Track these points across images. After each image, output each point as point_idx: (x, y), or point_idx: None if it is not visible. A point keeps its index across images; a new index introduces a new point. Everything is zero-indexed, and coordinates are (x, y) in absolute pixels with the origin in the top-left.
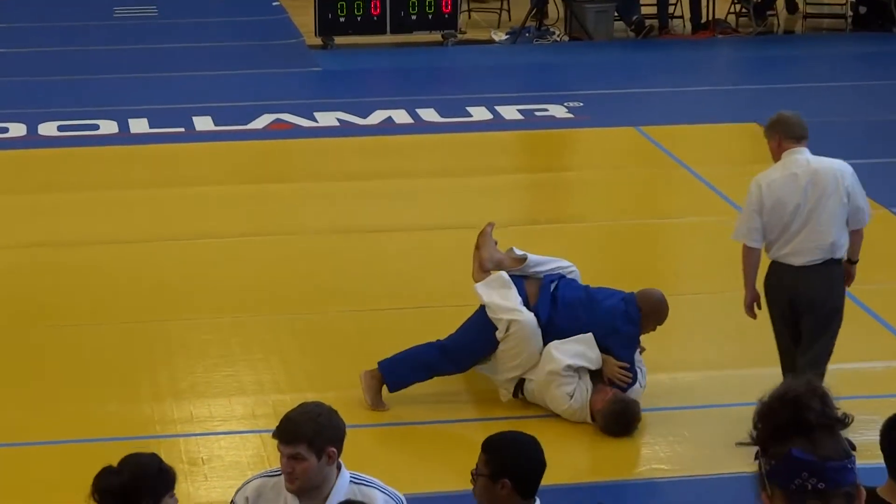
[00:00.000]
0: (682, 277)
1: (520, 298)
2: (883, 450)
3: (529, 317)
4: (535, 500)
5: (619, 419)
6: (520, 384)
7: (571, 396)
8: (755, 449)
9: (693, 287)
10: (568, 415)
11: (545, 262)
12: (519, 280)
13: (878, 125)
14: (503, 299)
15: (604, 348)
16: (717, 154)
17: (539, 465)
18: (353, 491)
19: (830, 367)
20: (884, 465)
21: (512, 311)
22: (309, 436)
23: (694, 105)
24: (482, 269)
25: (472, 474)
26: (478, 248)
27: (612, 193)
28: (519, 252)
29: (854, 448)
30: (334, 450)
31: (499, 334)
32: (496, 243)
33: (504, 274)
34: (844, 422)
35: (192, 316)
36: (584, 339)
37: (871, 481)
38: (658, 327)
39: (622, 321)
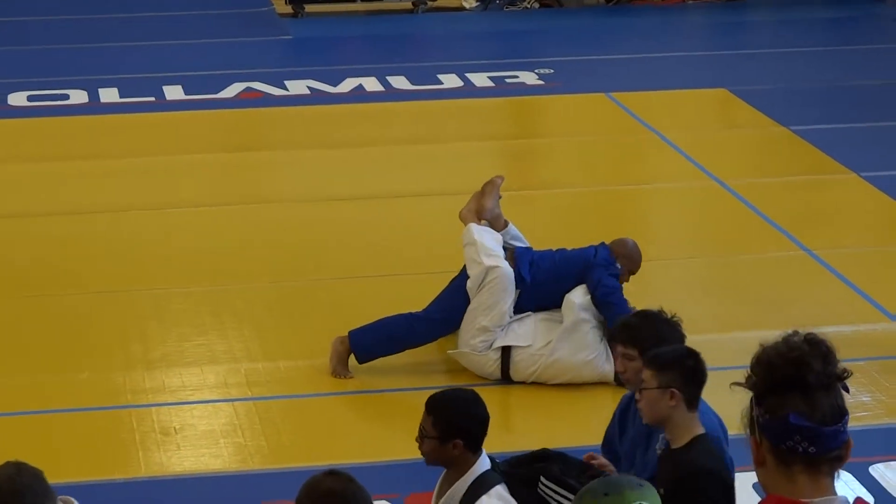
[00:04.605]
0: (653, 243)
1: (504, 253)
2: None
3: (510, 270)
4: (481, 452)
5: None
6: (505, 361)
7: (601, 340)
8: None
9: (664, 252)
10: (591, 367)
11: (521, 237)
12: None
13: (847, 90)
14: (492, 245)
15: (586, 281)
16: (687, 120)
17: (484, 419)
18: None
19: (800, 331)
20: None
21: (496, 258)
22: None
23: (664, 71)
24: (477, 215)
25: (419, 435)
26: (482, 194)
27: (583, 160)
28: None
29: (847, 390)
30: None
31: (471, 285)
32: (500, 198)
33: (496, 233)
34: (843, 377)
35: (164, 285)
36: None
37: None
38: (626, 286)
39: (599, 254)
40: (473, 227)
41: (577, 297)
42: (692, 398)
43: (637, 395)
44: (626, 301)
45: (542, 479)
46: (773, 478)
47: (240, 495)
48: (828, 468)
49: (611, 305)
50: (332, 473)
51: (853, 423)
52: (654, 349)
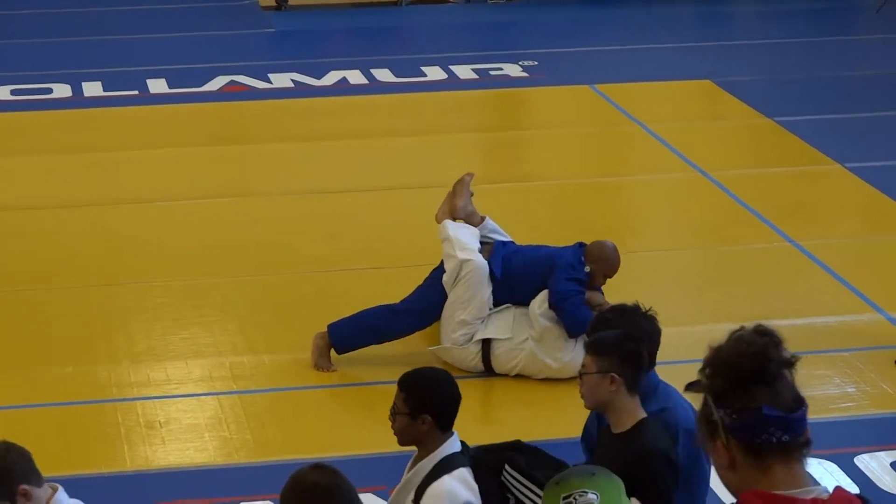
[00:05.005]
0: (638, 235)
1: (479, 247)
2: None
3: (483, 263)
4: (453, 433)
5: None
6: (486, 354)
7: (576, 344)
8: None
9: (649, 244)
10: (571, 366)
11: (499, 230)
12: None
13: (831, 81)
14: (467, 239)
15: (548, 284)
16: (671, 111)
17: (456, 398)
18: None
19: (784, 322)
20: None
21: (470, 252)
22: None
23: (649, 63)
24: (451, 215)
25: (391, 412)
26: (453, 194)
27: (567, 152)
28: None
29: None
30: (26, 487)
31: (447, 279)
32: (472, 195)
33: (473, 228)
34: (793, 362)
35: (148, 279)
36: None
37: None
38: (610, 280)
39: (563, 256)
40: (448, 223)
41: (537, 306)
42: (633, 382)
43: (579, 381)
44: (579, 306)
45: (506, 467)
46: (746, 476)
47: (225, 489)
48: (799, 454)
49: (563, 312)
50: (318, 467)
51: (839, 414)
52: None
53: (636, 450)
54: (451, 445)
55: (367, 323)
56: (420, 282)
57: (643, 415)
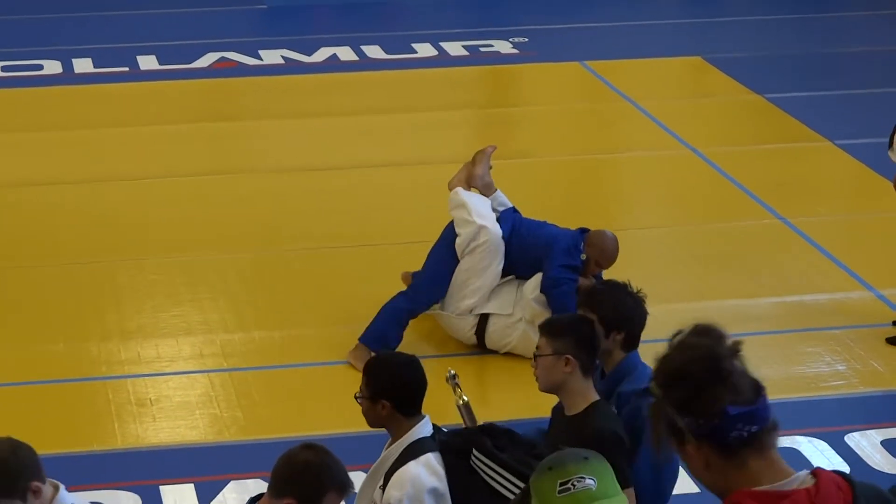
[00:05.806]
0: (628, 211)
1: (493, 215)
2: None
3: (499, 231)
4: (422, 417)
5: None
6: (481, 327)
7: None
8: None
9: (639, 221)
10: None
11: (508, 203)
12: None
13: (821, 58)
14: (482, 207)
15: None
16: (662, 88)
17: (416, 384)
18: None
19: (775, 299)
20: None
21: (488, 219)
22: (7, 485)
23: (639, 39)
24: (467, 183)
25: (355, 396)
26: (473, 163)
27: (558, 129)
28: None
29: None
30: (38, 484)
31: (460, 243)
32: (491, 167)
33: (484, 197)
34: (739, 349)
35: (139, 256)
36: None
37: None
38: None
39: (562, 240)
40: (460, 190)
41: (529, 290)
42: (587, 365)
43: (532, 363)
44: (568, 294)
45: (474, 451)
46: (723, 474)
47: (216, 467)
48: (770, 440)
49: (552, 298)
50: (309, 446)
51: (829, 392)
52: (613, 317)
53: (588, 432)
54: (421, 430)
55: (393, 315)
56: (411, 258)
57: (596, 397)
